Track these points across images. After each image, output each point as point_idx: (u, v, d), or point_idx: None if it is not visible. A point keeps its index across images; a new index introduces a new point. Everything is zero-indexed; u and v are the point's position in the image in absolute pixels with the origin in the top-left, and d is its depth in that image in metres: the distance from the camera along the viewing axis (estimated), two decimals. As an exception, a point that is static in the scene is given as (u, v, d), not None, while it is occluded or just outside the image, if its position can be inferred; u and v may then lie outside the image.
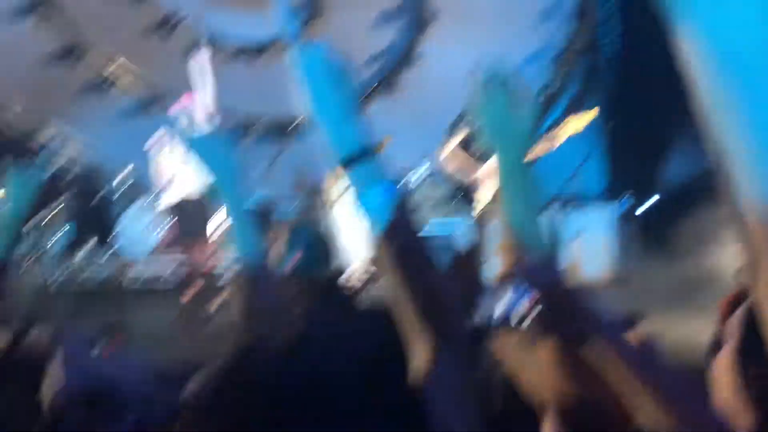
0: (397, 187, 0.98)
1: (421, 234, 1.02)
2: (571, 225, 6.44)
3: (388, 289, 0.98)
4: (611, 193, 7.56)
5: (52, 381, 0.72)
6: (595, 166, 7.89)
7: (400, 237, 0.96)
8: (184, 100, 5.75)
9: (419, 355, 0.90)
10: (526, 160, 1.17)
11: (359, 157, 0.98)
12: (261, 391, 0.64)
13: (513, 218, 1.15)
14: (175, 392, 0.88)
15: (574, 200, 6.97)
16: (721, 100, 0.53)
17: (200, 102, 5.66)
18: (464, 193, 5.05)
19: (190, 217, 5.27)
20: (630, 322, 1.32)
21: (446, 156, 5.25)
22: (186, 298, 5.28)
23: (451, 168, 5.14)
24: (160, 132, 5.68)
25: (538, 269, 0.97)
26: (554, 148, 4.93)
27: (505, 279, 1.03)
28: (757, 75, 0.52)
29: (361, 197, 0.98)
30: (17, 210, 1.59)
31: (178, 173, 5.39)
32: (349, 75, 1.02)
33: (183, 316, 5.20)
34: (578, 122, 4.88)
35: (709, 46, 0.54)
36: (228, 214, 1.42)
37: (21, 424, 0.73)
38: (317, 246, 2.53)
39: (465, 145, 5.14)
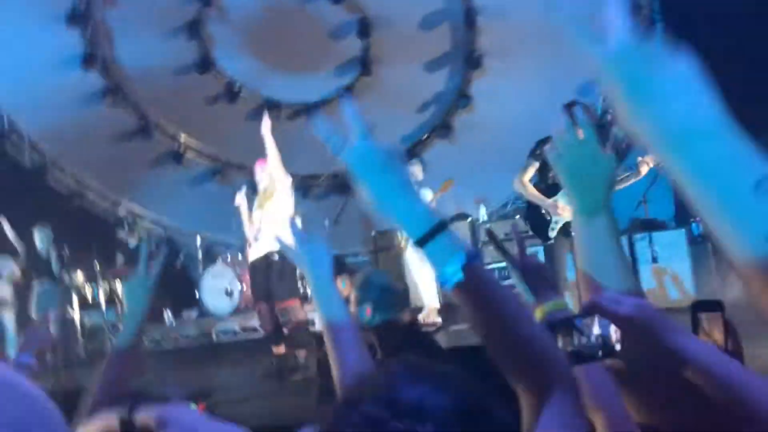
0: (470, 252, 0.95)
1: (498, 287, 0.97)
2: (644, 251, 6.34)
3: (481, 339, 0.96)
4: (682, 217, 7.38)
5: None
6: (663, 190, 7.73)
7: (478, 296, 0.94)
8: (259, 164, 6.00)
9: (525, 409, 0.89)
10: (605, 204, 1.12)
11: (431, 235, 0.96)
12: None
13: (590, 259, 1.12)
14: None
15: (646, 226, 6.84)
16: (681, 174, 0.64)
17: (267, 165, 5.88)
18: (537, 223, 4.97)
19: (273, 275, 5.42)
20: (714, 305, 1.25)
21: (519, 185, 5.22)
22: (278, 351, 5.36)
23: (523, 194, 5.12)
24: (241, 195, 5.95)
25: (617, 301, 0.91)
26: (638, 179, 4.91)
27: (585, 313, 0.96)
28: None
29: (439, 272, 0.97)
30: (135, 311, 1.75)
31: (260, 233, 5.58)
32: (398, 155, 1.00)
33: (275, 370, 5.29)
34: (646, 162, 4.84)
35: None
36: (312, 273, 1.48)
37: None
38: (390, 293, 2.56)
39: (539, 175, 5.10)
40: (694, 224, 6.65)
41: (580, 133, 1.12)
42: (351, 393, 0.72)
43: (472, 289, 0.95)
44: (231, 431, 0.81)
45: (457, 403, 0.67)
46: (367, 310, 2.46)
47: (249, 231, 5.79)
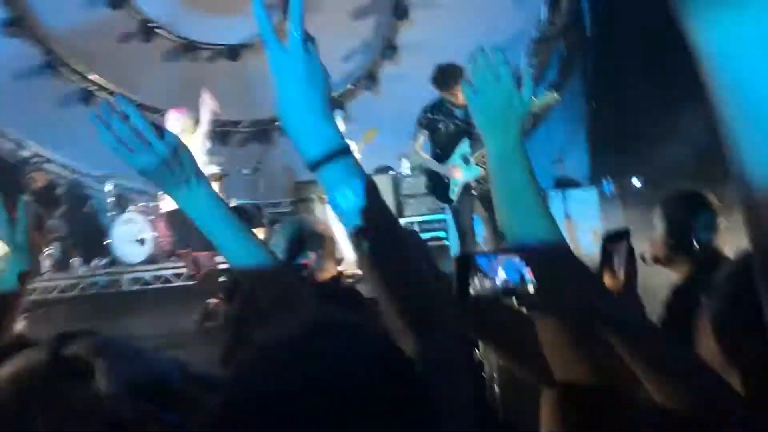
0: (367, 184, 0.92)
1: (394, 227, 0.96)
2: (558, 208, 6.54)
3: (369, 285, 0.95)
4: (595, 176, 7.65)
5: (109, 380, 0.73)
6: (579, 149, 7.97)
7: (372, 234, 0.91)
8: (172, 112, 5.87)
9: (408, 347, 0.88)
10: (520, 141, 1.12)
11: (326, 159, 0.92)
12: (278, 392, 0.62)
13: (508, 200, 1.10)
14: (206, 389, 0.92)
15: (560, 184, 7.06)
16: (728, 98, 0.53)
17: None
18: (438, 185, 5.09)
19: (187, 223, 5.36)
20: (620, 234, 1.29)
21: (413, 154, 5.39)
22: (213, 300, 5.31)
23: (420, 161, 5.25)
24: None
25: (535, 246, 0.92)
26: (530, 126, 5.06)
27: (499, 254, 0.99)
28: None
29: (332, 199, 0.94)
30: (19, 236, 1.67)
31: None
32: (321, 73, 0.94)
33: (203, 316, 5.23)
34: (542, 103, 5.05)
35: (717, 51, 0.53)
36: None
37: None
38: (311, 241, 2.44)
39: (432, 141, 5.24)
40: (605, 183, 6.91)
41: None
42: (267, 342, 0.71)
43: (366, 222, 0.91)
44: (161, 360, 0.81)
45: (369, 352, 0.67)
46: (303, 261, 2.30)
47: None
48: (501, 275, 0.96)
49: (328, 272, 2.31)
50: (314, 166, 0.93)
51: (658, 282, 2.34)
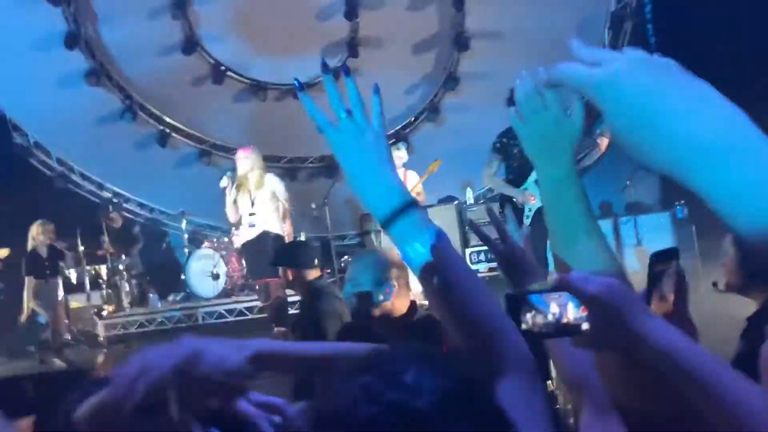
0: (436, 236, 0.96)
1: (465, 276, 1.00)
2: (629, 235, 6.38)
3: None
4: (667, 201, 7.44)
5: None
6: (647, 174, 7.77)
7: (442, 285, 0.96)
8: (241, 151, 6.07)
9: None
10: (572, 170, 1.08)
11: (394, 216, 0.97)
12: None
13: (561, 231, 1.09)
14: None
15: (632, 210, 6.88)
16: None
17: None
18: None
19: (260, 255, 5.54)
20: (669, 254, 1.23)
21: (486, 180, 5.34)
22: (279, 328, 5.39)
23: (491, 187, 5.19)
24: (226, 178, 6.02)
25: (585, 279, 0.89)
26: (602, 152, 4.90)
27: (556, 288, 1.00)
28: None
29: (404, 254, 0.98)
30: None
31: (253, 217, 5.76)
32: (374, 136, 1.00)
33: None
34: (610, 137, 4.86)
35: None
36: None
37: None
38: (388, 271, 2.42)
39: (505, 167, 5.17)
40: (678, 207, 6.70)
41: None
42: (352, 367, 0.74)
43: (435, 271, 0.96)
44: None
45: (452, 385, 0.70)
46: (387, 290, 2.30)
47: (231, 213, 5.89)
48: (554, 310, 0.95)
49: (405, 301, 2.34)
50: (384, 224, 0.98)
51: (737, 311, 2.26)
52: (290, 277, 3.48)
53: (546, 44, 8.10)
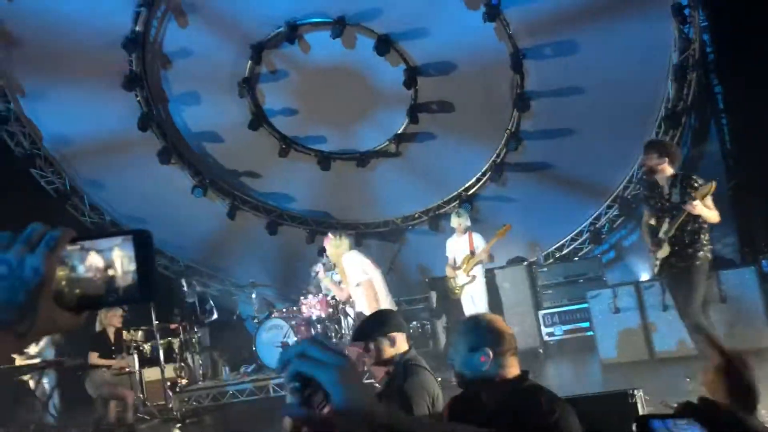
0: None
1: None
2: (713, 291, 6.07)
3: None
4: (748, 254, 7.09)
5: None
6: (723, 226, 7.44)
7: None
8: (326, 240, 6.39)
9: None
10: None
11: None
12: None
13: None
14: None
15: (714, 265, 6.55)
16: None
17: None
18: None
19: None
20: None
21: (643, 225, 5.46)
22: None
23: None
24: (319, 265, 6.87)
25: None
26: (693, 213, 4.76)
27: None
28: None
29: None
30: None
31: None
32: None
33: None
34: (703, 192, 4.70)
35: None
36: None
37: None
38: (502, 336, 2.27)
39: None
40: (764, 261, 6.34)
41: None
42: None
43: None
44: None
45: None
46: (482, 358, 2.18)
47: (338, 294, 6.65)
48: None
49: (512, 369, 2.19)
50: None
51: None
52: (374, 351, 3.19)
53: (607, 102, 8.05)
